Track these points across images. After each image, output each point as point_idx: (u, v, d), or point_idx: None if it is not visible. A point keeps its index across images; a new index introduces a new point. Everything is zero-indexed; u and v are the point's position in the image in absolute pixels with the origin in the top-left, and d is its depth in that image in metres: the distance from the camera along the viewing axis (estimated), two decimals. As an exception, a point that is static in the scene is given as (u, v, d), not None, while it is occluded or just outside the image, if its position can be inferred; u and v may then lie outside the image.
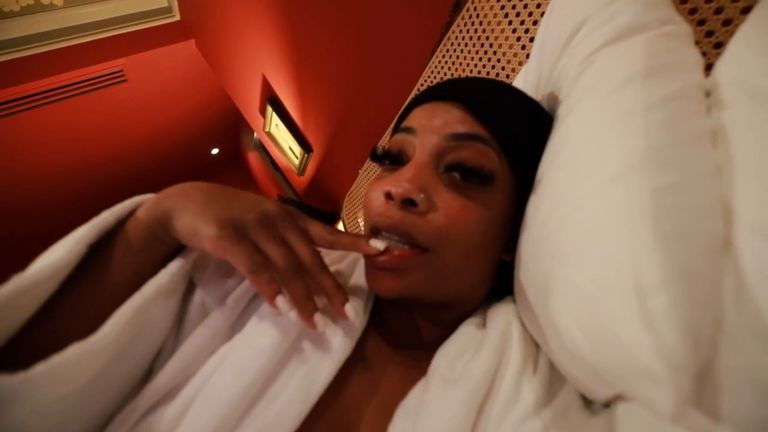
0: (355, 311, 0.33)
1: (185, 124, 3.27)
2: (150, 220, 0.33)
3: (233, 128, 3.75)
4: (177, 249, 0.36)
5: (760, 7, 0.29)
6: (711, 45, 0.43)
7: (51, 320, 0.29)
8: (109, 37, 2.04)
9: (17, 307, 0.27)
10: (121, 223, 0.34)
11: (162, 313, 0.33)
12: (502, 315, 0.36)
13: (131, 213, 0.34)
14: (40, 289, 0.28)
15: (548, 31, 0.44)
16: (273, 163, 3.00)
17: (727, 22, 0.42)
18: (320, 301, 0.35)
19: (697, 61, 0.33)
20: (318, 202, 2.26)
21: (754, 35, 0.28)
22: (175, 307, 0.35)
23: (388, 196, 0.34)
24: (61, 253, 0.29)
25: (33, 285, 0.27)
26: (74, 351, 0.26)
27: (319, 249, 0.46)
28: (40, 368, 0.24)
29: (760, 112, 0.25)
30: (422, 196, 0.33)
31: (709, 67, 0.42)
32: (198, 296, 0.36)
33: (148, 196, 0.35)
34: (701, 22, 0.43)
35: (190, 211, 0.32)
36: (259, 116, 2.20)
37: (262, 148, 3.15)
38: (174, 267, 0.34)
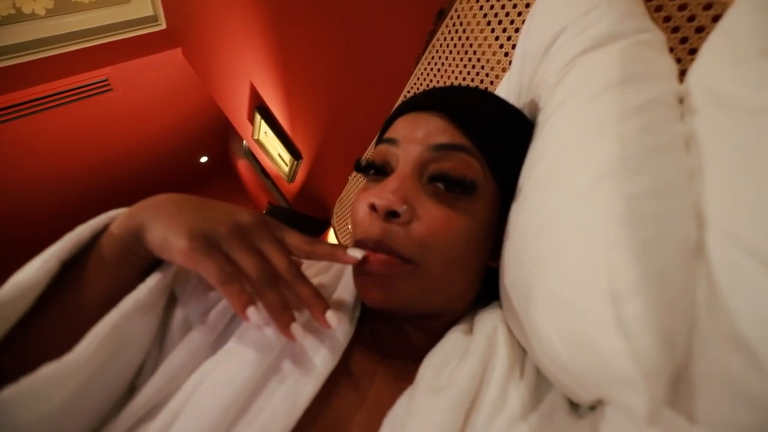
0: (337, 319, 0.32)
1: (173, 132, 3.24)
2: (123, 234, 0.32)
3: (222, 136, 3.73)
4: (156, 262, 0.35)
5: (727, 16, 0.30)
6: (686, 51, 0.44)
7: (25, 340, 0.28)
8: (94, 46, 2.02)
9: None
10: (95, 237, 0.33)
11: (141, 329, 0.32)
12: (488, 321, 0.36)
13: (105, 227, 0.34)
14: (10, 309, 0.27)
15: (528, 39, 0.44)
16: (263, 171, 2.98)
17: (699, 29, 0.43)
18: (303, 315, 0.35)
19: (671, 68, 0.34)
20: (309, 209, 2.25)
21: (722, 43, 0.29)
22: (155, 321, 0.34)
23: (372, 207, 0.35)
24: (31, 271, 0.29)
25: (2, 305, 0.26)
26: (47, 371, 0.25)
27: (302, 261, 0.46)
28: (9, 390, 0.24)
29: (726, 119, 0.25)
30: (405, 207, 0.34)
31: (683, 73, 0.43)
32: (180, 310, 0.36)
33: (123, 210, 0.35)
34: (675, 30, 0.45)
35: (162, 223, 0.31)
36: (248, 124, 2.20)
37: (251, 156, 3.13)
38: (152, 281, 0.33)
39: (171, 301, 0.37)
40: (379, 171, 0.39)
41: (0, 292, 0.27)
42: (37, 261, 0.30)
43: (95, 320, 0.29)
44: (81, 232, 0.32)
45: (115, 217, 0.34)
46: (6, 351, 0.27)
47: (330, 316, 0.32)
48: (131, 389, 0.33)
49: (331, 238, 1.95)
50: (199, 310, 0.36)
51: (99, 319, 0.29)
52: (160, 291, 0.34)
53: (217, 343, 0.34)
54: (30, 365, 0.25)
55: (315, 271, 0.44)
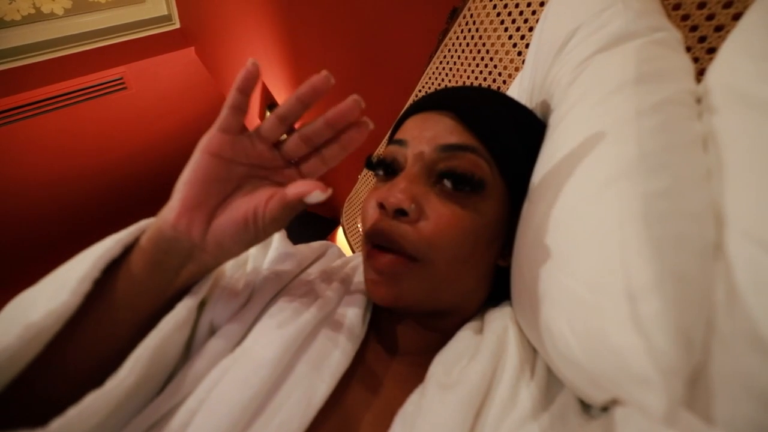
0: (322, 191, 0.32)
1: (185, 130, 3.27)
2: (151, 237, 0.32)
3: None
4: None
5: (750, 13, 0.29)
6: (704, 50, 0.44)
7: (59, 361, 0.28)
8: (110, 45, 2.06)
9: (21, 356, 0.26)
10: (127, 250, 0.33)
11: (177, 344, 0.33)
12: (498, 320, 0.36)
13: (137, 239, 0.33)
14: (45, 335, 0.27)
15: (542, 38, 0.44)
16: (273, 169, 2.99)
17: (719, 28, 0.42)
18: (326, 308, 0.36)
19: (688, 67, 0.34)
20: (317, 209, 2.26)
21: (744, 41, 0.28)
22: (188, 333, 0.34)
23: (381, 206, 0.35)
24: (65, 296, 0.28)
25: (37, 333, 0.26)
26: (92, 401, 0.25)
27: (319, 259, 0.47)
28: (58, 423, 0.24)
29: (749, 117, 0.25)
30: (413, 206, 0.34)
31: (702, 72, 0.42)
32: (206, 316, 0.36)
33: (153, 220, 0.34)
34: (694, 28, 0.44)
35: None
36: (259, 122, 2.21)
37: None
38: (191, 301, 0.33)
39: (199, 304, 0.37)
40: (388, 170, 0.39)
41: (36, 321, 0.26)
42: (71, 281, 0.29)
43: (129, 333, 0.29)
44: (111, 246, 0.32)
45: (146, 228, 0.34)
46: (42, 372, 0.27)
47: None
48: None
49: (340, 237, 1.95)
50: (225, 315, 0.36)
51: (132, 330, 0.30)
52: (195, 306, 0.34)
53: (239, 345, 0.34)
54: (67, 386, 0.26)
55: (327, 273, 0.44)
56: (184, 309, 0.32)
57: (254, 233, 0.32)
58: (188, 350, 0.35)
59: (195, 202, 0.32)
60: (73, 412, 0.24)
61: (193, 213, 0.32)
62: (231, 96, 0.32)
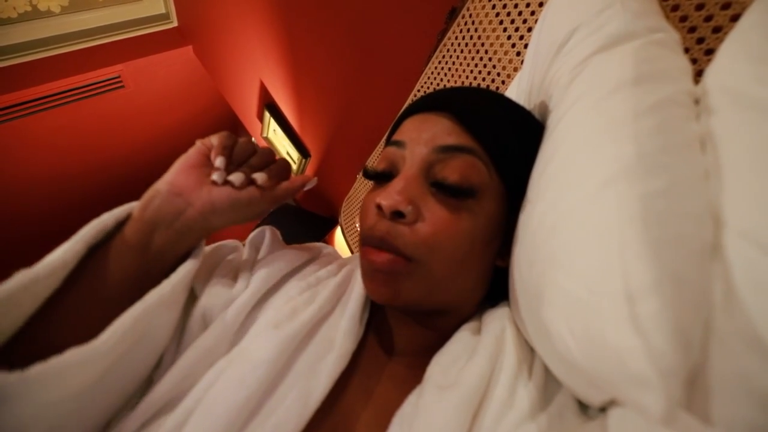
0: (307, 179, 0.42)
1: (183, 129, 3.26)
2: (144, 204, 0.35)
3: (231, 133, 3.75)
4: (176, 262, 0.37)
5: (748, 15, 0.29)
6: (702, 52, 0.44)
7: (51, 321, 0.29)
8: (107, 43, 2.05)
9: (18, 303, 0.27)
10: (119, 226, 0.35)
11: (162, 323, 0.33)
12: (496, 320, 0.36)
13: (128, 216, 0.36)
14: (41, 285, 0.28)
15: (541, 39, 0.44)
16: (271, 168, 2.99)
17: (717, 30, 0.42)
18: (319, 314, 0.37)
19: (686, 68, 0.34)
20: (316, 208, 2.26)
21: (743, 43, 0.28)
22: (176, 317, 0.35)
23: (379, 208, 0.35)
24: (60, 253, 0.30)
25: (33, 281, 0.28)
26: (72, 354, 0.26)
27: (314, 260, 0.47)
28: (37, 368, 0.24)
29: (747, 118, 0.25)
30: (410, 208, 0.34)
31: (700, 73, 0.43)
32: (199, 308, 0.37)
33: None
34: (692, 29, 0.44)
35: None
36: (257, 121, 2.21)
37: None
38: (176, 277, 0.34)
39: (191, 298, 0.38)
40: (386, 174, 0.39)
41: (32, 270, 0.28)
42: (65, 244, 0.31)
43: (116, 310, 0.30)
44: (106, 219, 0.34)
45: (135, 205, 0.36)
46: (35, 329, 0.28)
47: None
48: (149, 382, 0.34)
49: (339, 236, 1.95)
50: (218, 307, 0.37)
51: (119, 308, 0.30)
52: (182, 287, 0.35)
53: (233, 341, 0.35)
54: (55, 347, 0.26)
55: (324, 274, 0.44)
56: (168, 285, 0.33)
57: (249, 204, 0.37)
58: (180, 343, 0.36)
59: (194, 164, 0.37)
60: (54, 361, 0.25)
61: (190, 170, 0.37)
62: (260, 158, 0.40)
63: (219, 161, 0.36)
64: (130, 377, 0.32)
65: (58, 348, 0.26)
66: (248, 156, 0.40)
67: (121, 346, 0.29)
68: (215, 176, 0.36)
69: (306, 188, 0.43)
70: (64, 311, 0.30)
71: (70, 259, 0.30)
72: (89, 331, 0.28)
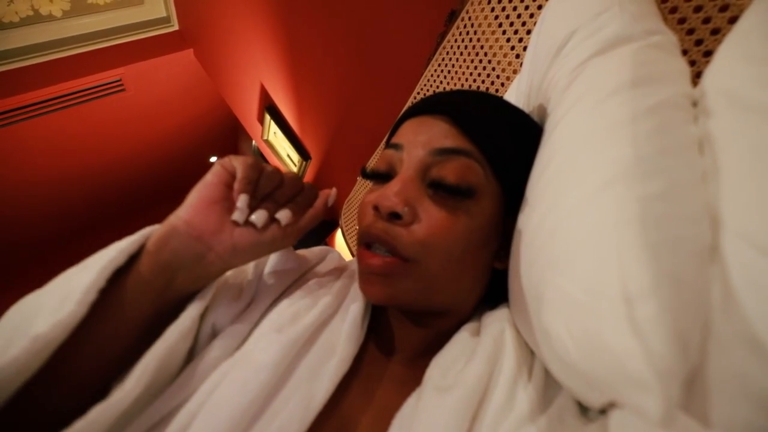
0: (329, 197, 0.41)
1: (183, 132, 3.27)
2: (161, 237, 0.33)
3: (231, 136, 3.76)
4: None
5: (746, 16, 0.29)
6: (700, 53, 0.44)
7: (63, 368, 0.29)
8: (108, 47, 2.06)
9: (28, 367, 0.26)
10: (132, 258, 0.33)
11: (181, 351, 0.33)
12: (495, 322, 0.36)
13: (142, 247, 0.34)
14: (52, 346, 0.27)
15: (539, 42, 0.44)
16: (271, 171, 2.99)
17: (715, 31, 0.42)
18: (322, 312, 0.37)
19: (684, 70, 0.34)
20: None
21: (741, 44, 0.29)
22: (192, 340, 0.35)
23: (376, 209, 0.36)
24: (71, 306, 0.28)
25: (45, 346, 0.27)
26: (98, 413, 0.26)
27: (319, 263, 0.47)
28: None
29: (745, 120, 0.25)
30: (407, 209, 0.34)
31: (698, 75, 0.43)
32: (209, 319, 0.37)
33: (156, 227, 0.35)
34: (690, 31, 0.44)
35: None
36: (258, 124, 2.21)
37: (260, 156, 3.15)
38: (194, 310, 0.34)
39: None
40: (383, 176, 0.39)
41: (43, 333, 0.26)
42: (77, 292, 0.29)
43: (131, 333, 0.30)
44: (117, 257, 0.32)
45: (149, 234, 0.34)
46: (43, 382, 0.27)
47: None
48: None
49: (339, 239, 1.95)
50: (227, 318, 0.37)
51: (135, 331, 0.30)
52: (199, 315, 0.35)
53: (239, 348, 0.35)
54: (70, 390, 0.26)
55: (327, 278, 0.44)
56: (188, 319, 0.33)
57: (272, 244, 0.36)
58: (191, 354, 0.35)
59: (214, 198, 0.34)
60: (81, 424, 0.25)
61: (210, 208, 0.34)
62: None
63: (242, 201, 0.34)
64: (148, 403, 0.31)
65: (73, 385, 0.27)
66: (274, 188, 0.37)
67: (146, 388, 0.29)
68: (236, 216, 0.34)
69: (329, 204, 0.40)
70: (76, 354, 0.29)
71: (83, 312, 0.29)
72: (105, 363, 0.28)
